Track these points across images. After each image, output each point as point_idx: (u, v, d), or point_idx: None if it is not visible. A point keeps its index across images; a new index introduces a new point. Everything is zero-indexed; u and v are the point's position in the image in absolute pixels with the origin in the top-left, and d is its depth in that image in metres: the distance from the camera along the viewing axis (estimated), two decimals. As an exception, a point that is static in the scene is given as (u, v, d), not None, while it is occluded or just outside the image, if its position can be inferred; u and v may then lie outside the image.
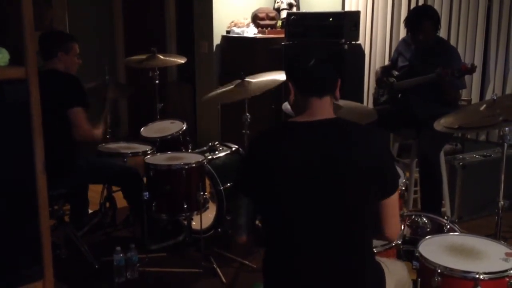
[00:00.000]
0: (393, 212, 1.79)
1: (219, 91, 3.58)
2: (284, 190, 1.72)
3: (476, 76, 4.49)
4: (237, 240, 1.87)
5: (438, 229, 2.55)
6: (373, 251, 1.85)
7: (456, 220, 3.73)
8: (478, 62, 4.48)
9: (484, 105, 2.58)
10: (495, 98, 2.53)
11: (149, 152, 3.58)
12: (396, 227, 1.83)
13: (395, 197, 1.78)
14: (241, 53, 5.04)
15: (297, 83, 1.79)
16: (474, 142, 4.57)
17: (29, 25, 1.53)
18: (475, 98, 4.52)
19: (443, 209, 3.69)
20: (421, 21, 3.56)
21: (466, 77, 3.69)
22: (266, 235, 1.83)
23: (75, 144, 3.22)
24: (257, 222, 1.97)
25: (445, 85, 3.44)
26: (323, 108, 1.76)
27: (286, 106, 3.13)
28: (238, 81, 3.45)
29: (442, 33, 4.58)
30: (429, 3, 4.71)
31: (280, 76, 3.43)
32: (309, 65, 1.75)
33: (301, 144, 1.72)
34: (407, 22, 3.69)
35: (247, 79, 3.45)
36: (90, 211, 3.81)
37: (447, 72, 3.33)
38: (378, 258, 1.90)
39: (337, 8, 5.39)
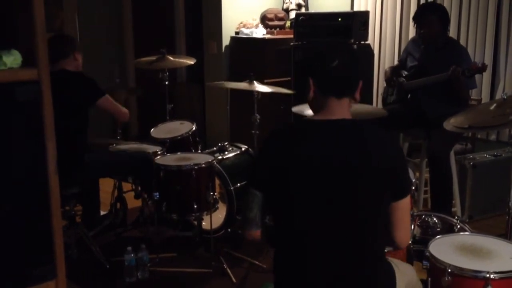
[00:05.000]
0: (404, 217, 1.78)
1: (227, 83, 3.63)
2: (297, 189, 1.72)
3: (486, 75, 4.47)
4: (246, 236, 1.87)
5: (449, 229, 2.54)
6: (385, 252, 1.85)
7: (467, 220, 3.72)
8: (488, 61, 4.46)
9: (494, 104, 2.57)
10: (505, 97, 2.52)
11: (159, 152, 3.60)
12: (406, 233, 1.82)
13: (406, 202, 1.78)
14: (250, 54, 5.06)
15: (318, 82, 1.77)
16: (484, 141, 4.55)
17: (41, 28, 1.55)
18: (485, 98, 4.49)
19: (453, 209, 3.68)
20: (426, 14, 3.61)
21: (476, 76, 3.68)
22: (277, 234, 1.83)
23: (86, 142, 3.28)
24: (267, 220, 1.96)
25: (458, 84, 3.43)
26: (341, 109, 1.76)
27: (296, 108, 3.13)
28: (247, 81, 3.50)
29: (452, 32, 4.56)
30: (439, 1, 4.70)
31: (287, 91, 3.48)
32: (332, 66, 1.73)
33: (316, 143, 1.72)
34: (415, 15, 3.73)
35: (255, 83, 3.49)
36: (102, 213, 3.84)
37: (459, 71, 3.33)
38: (388, 258, 1.91)
39: (346, 8, 5.38)
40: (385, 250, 1.89)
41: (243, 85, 3.51)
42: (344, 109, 1.77)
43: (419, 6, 3.97)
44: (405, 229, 1.80)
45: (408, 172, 1.81)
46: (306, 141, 1.73)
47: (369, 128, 1.77)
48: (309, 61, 1.83)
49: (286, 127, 1.85)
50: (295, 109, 3.15)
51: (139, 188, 3.68)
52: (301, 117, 1.94)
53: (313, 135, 1.73)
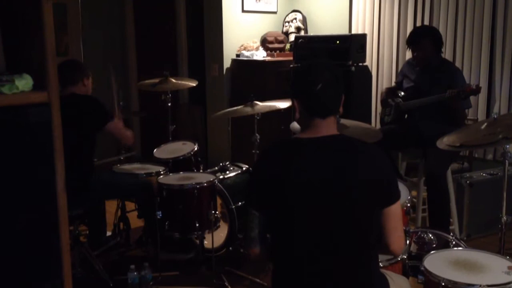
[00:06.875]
0: (396, 224, 1.82)
1: (228, 110, 3.69)
2: (292, 206, 1.78)
3: (482, 96, 4.55)
4: (249, 253, 1.92)
5: (444, 245, 2.60)
6: (379, 263, 1.90)
7: (465, 238, 3.76)
8: (483, 82, 4.54)
9: (485, 124, 2.65)
10: (495, 117, 2.60)
11: (162, 172, 3.67)
12: (400, 240, 1.85)
13: (398, 209, 1.82)
14: (251, 76, 5.14)
15: (303, 105, 1.84)
16: (481, 160, 4.60)
17: (51, 53, 1.63)
18: (481, 117, 4.55)
19: (451, 227, 3.71)
20: (419, 38, 3.69)
21: (472, 97, 3.75)
22: (275, 250, 1.89)
23: (92, 163, 3.36)
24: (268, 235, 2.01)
25: (456, 105, 3.51)
26: (327, 126, 1.83)
27: (294, 125, 3.21)
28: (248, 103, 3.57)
29: (447, 54, 4.66)
30: (434, 24, 4.80)
31: (287, 104, 3.53)
32: (316, 90, 1.78)
33: (307, 160, 1.78)
34: (408, 39, 3.81)
35: (256, 102, 3.56)
36: (108, 234, 3.90)
37: (455, 93, 3.42)
38: (383, 271, 1.96)
39: (344, 31, 5.49)
40: (381, 264, 1.95)
41: (245, 111, 3.57)
42: (330, 126, 1.83)
43: (412, 30, 4.07)
44: (398, 237, 1.83)
45: (396, 179, 1.85)
46: (297, 159, 1.79)
47: (356, 142, 1.84)
48: (293, 83, 1.90)
49: (276, 146, 1.89)
50: (292, 125, 3.24)
51: (138, 211, 3.73)
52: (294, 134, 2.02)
53: (304, 153, 1.80)
